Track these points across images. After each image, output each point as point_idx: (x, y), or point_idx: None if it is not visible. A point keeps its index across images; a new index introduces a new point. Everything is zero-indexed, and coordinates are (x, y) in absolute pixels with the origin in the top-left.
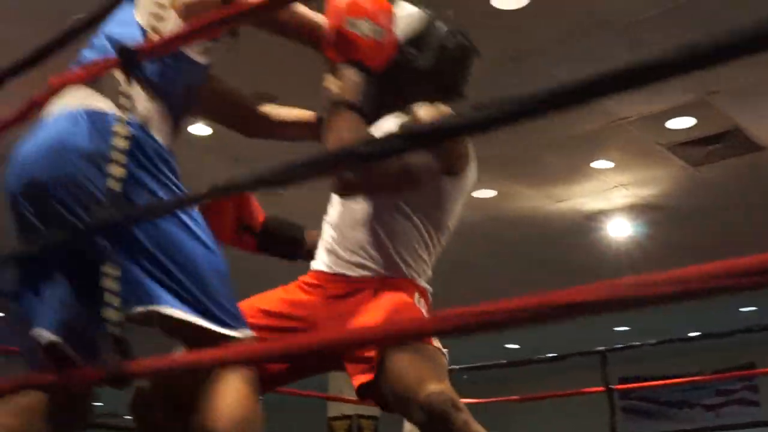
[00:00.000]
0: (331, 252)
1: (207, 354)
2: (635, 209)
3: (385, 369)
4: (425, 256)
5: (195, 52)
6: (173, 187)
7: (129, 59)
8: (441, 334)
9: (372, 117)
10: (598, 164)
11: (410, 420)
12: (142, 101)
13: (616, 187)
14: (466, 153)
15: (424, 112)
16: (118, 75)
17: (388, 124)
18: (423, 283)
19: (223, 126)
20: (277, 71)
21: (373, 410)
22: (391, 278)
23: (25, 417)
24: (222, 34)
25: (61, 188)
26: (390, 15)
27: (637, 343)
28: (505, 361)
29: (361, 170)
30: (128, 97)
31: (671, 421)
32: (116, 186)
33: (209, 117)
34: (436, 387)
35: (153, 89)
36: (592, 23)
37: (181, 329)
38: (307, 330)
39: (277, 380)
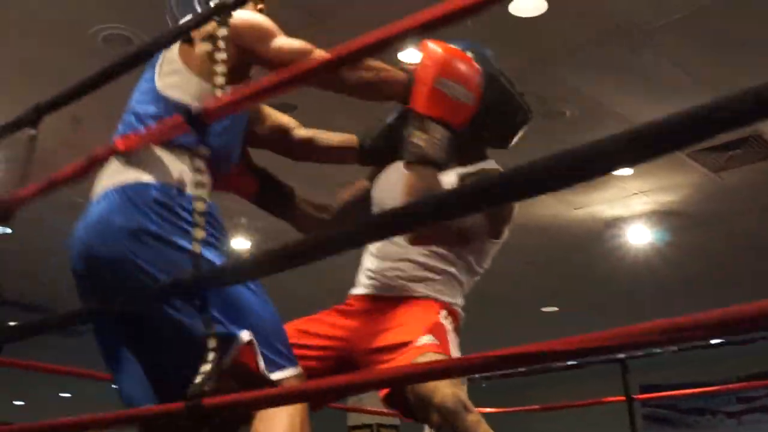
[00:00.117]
0: (370, 278)
1: (272, 392)
2: (655, 216)
3: None
4: (458, 288)
5: None
6: (220, 241)
7: (195, 122)
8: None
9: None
10: (618, 171)
11: (430, 426)
12: (188, 163)
13: (636, 194)
14: (510, 218)
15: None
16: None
17: (449, 178)
18: (450, 300)
19: (271, 151)
20: None
21: (394, 420)
22: (419, 299)
23: None
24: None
25: (112, 264)
26: (478, 78)
27: (659, 351)
28: (524, 369)
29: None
30: (198, 164)
31: (693, 428)
32: (198, 248)
33: (257, 146)
34: (449, 390)
35: (206, 148)
36: (611, 30)
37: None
38: (347, 350)
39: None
